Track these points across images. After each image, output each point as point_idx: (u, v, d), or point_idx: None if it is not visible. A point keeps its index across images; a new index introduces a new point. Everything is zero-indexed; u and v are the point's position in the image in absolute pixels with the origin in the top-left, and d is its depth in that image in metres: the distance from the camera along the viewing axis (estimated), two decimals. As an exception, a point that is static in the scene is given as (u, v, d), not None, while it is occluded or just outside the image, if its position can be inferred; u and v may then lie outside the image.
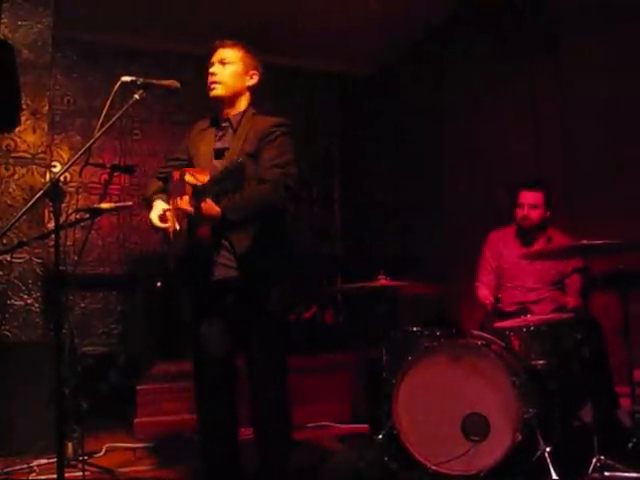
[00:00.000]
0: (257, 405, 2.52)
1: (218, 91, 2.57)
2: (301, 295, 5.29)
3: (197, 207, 2.22)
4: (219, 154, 2.56)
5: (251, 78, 2.63)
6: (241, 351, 2.56)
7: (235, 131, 2.57)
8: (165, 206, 2.53)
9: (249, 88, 2.64)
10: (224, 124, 2.61)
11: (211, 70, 2.59)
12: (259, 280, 2.48)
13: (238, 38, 2.64)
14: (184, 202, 2.28)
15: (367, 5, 4.90)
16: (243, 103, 2.63)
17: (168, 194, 2.58)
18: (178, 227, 2.41)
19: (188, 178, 2.25)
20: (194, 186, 2.21)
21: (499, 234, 3.80)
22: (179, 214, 2.40)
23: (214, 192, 2.18)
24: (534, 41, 4.42)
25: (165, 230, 2.49)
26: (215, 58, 2.61)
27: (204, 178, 2.27)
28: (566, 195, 4.02)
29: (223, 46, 2.61)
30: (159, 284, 2.52)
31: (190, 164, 2.59)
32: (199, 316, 2.59)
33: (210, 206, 2.23)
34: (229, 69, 2.58)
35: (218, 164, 2.49)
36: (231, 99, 2.59)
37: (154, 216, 2.51)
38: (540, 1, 4.37)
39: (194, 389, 2.64)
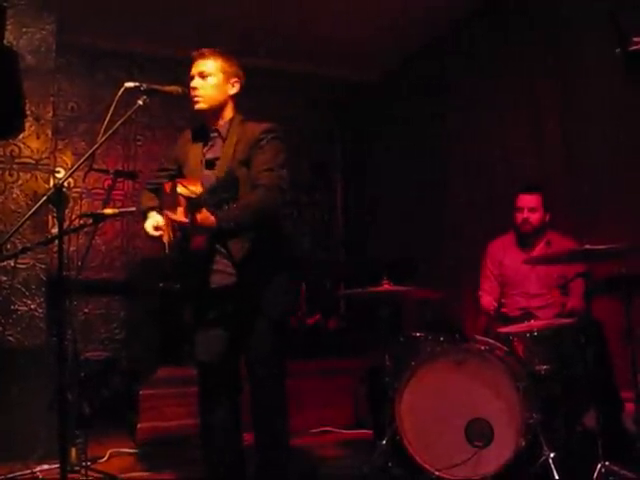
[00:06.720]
0: (256, 409, 2.54)
1: (201, 105, 2.57)
2: (303, 299, 5.28)
3: (192, 218, 2.21)
4: (210, 164, 2.57)
5: (233, 86, 2.62)
6: (242, 356, 2.58)
7: (224, 140, 2.58)
8: (159, 218, 2.54)
9: (232, 97, 2.63)
10: (213, 134, 2.62)
11: (192, 84, 2.57)
12: (258, 285, 2.49)
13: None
14: (179, 214, 2.26)
15: (370, 12, 4.91)
16: (228, 112, 2.63)
17: (160, 205, 2.58)
18: (173, 238, 2.42)
19: (181, 189, 2.23)
20: (188, 198, 2.20)
21: (498, 243, 3.78)
22: (174, 225, 2.40)
23: (210, 203, 2.19)
24: (535, 40, 4.41)
25: (160, 239, 2.52)
26: (194, 70, 2.59)
27: (196, 188, 2.26)
28: (568, 198, 4.02)
29: (202, 57, 2.59)
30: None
31: (180, 174, 2.61)
32: (199, 323, 2.61)
33: (205, 216, 2.24)
34: (210, 81, 2.56)
35: (209, 174, 2.50)
36: (216, 110, 2.60)
37: (148, 225, 2.56)
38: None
39: (198, 393, 2.64)
